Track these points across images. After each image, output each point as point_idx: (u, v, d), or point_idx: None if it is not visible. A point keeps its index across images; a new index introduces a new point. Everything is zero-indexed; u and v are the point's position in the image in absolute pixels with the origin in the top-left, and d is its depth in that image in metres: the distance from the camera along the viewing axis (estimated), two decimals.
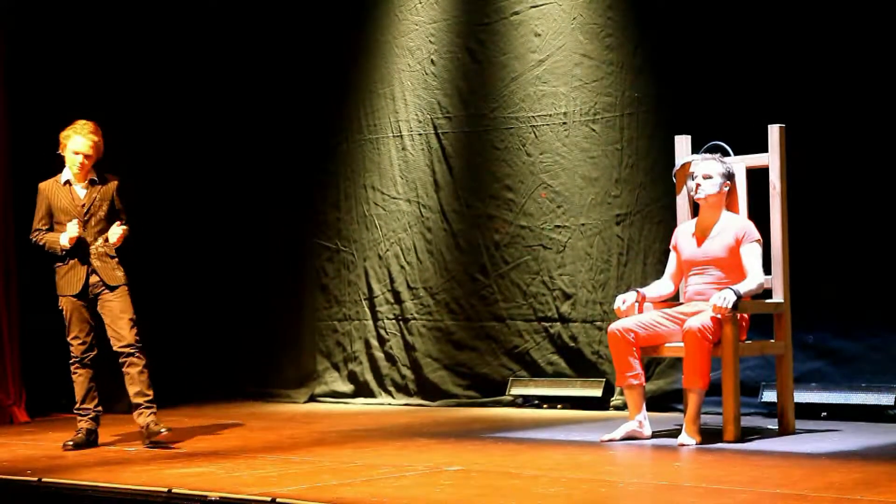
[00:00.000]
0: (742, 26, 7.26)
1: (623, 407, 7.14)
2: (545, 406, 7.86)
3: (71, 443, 6.31)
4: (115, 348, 6.31)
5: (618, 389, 7.48)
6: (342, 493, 4.59)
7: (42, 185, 6.39)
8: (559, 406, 7.81)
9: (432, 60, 8.45)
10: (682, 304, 6.26)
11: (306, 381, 8.82)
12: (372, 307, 8.62)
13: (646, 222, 7.61)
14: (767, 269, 6.19)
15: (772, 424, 6.37)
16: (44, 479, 5.10)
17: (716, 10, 7.34)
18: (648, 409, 6.17)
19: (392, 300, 8.54)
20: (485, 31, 8.24)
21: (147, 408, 6.27)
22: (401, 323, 8.50)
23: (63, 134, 6.31)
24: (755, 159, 6.33)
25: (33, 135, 8.33)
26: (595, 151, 7.82)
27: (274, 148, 9.09)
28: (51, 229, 6.35)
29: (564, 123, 7.92)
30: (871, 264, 6.91)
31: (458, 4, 8.36)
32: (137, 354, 6.29)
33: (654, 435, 6.09)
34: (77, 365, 6.39)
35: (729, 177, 6.23)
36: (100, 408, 6.44)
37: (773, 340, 6.23)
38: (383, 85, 8.64)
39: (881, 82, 6.89)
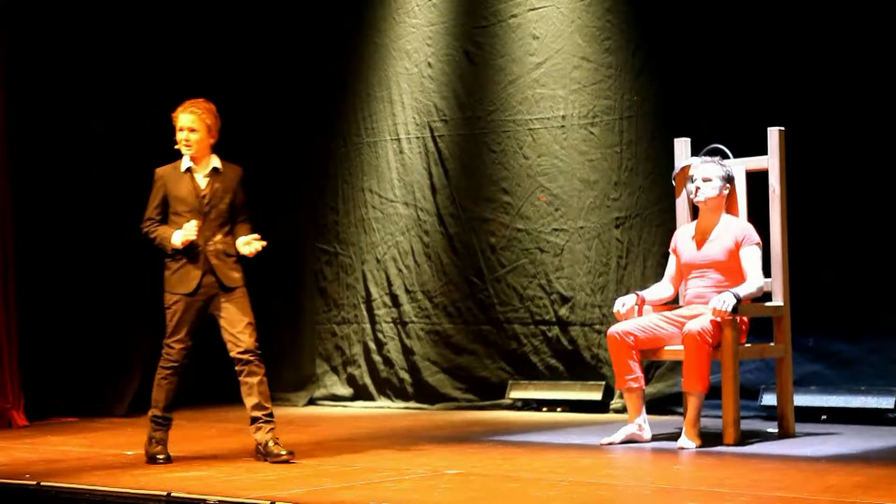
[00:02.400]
0: (741, 29, 7.26)
1: (623, 410, 7.13)
2: (544, 409, 7.85)
3: (162, 457, 5.74)
4: (232, 354, 5.74)
5: (617, 392, 7.48)
6: (341, 497, 4.58)
7: (159, 171, 5.85)
8: (558, 409, 7.81)
9: (430, 63, 8.44)
10: (681, 307, 6.26)
11: (305, 385, 8.81)
12: (370, 311, 8.62)
13: (645, 225, 7.61)
14: (767, 272, 6.19)
15: (771, 427, 6.37)
16: (42, 483, 5.08)
17: (715, 13, 7.34)
18: (648, 413, 6.16)
19: (390, 303, 8.53)
20: (482, 33, 8.24)
21: (266, 422, 5.69)
22: (399, 326, 8.49)
23: (173, 115, 5.83)
24: (755, 162, 6.33)
25: (33, 135, 8.34)
26: (594, 154, 7.81)
27: (272, 151, 9.08)
28: (164, 220, 5.81)
29: (562, 126, 7.92)
30: (871, 267, 6.91)
31: (455, 7, 8.36)
32: (257, 362, 5.70)
33: (654, 438, 6.09)
34: (171, 371, 5.83)
35: (728, 180, 6.23)
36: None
37: (772, 343, 6.23)
38: (381, 88, 8.64)
39: (880, 85, 6.90)
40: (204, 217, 5.73)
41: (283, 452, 5.59)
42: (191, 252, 5.73)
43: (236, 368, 5.73)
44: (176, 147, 5.77)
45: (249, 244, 5.78)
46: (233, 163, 5.94)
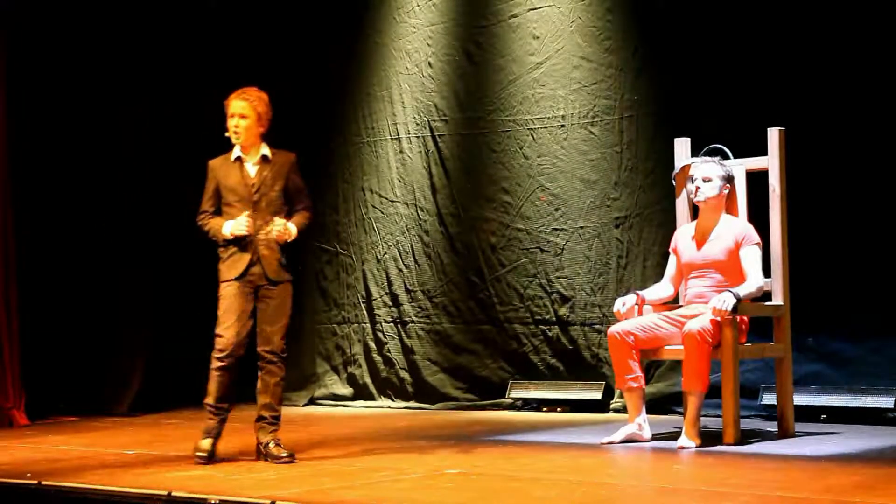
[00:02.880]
0: (742, 29, 7.26)
1: (623, 410, 7.13)
2: (544, 409, 7.85)
3: (202, 455, 5.64)
4: (259, 349, 5.75)
5: (617, 392, 7.48)
6: (342, 496, 4.58)
7: (212, 163, 5.82)
8: (559, 409, 7.81)
9: (430, 63, 8.45)
10: (681, 306, 6.26)
11: (306, 384, 8.81)
12: (370, 310, 8.62)
13: (645, 225, 7.61)
14: (767, 272, 6.19)
15: (771, 427, 6.37)
16: (43, 483, 5.09)
17: (715, 12, 7.34)
18: (648, 412, 6.16)
19: (390, 303, 8.53)
20: (483, 33, 8.25)
21: (271, 424, 5.71)
22: (399, 326, 8.49)
23: (225, 103, 5.74)
24: (755, 162, 6.34)
25: (33, 134, 8.34)
26: (594, 154, 7.82)
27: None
28: (218, 211, 5.78)
29: (563, 126, 7.92)
30: (871, 267, 6.91)
31: (456, 7, 8.36)
32: (279, 364, 5.74)
33: (654, 438, 6.09)
34: (221, 360, 5.71)
35: (728, 180, 6.23)
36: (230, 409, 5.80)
37: (772, 343, 6.23)
38: (381, 88, 8.64)
39: (880, 85, 6.90)
40: (254, 206, 5.66)
41: (284, 455, 5.60)
42: (241, 242, 5.67)
43: (258, 363, 5.73)
44: (226, 135, 5.71)
45: (270, 231, 5.66)
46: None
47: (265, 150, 5.76)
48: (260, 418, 5.73)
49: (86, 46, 8.60)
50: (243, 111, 5.66)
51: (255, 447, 5.76)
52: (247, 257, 5.67)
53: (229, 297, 5.69)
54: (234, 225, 5.64)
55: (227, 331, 5.67)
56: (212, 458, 5.65)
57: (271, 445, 5.65)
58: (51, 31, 8.46)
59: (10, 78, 8.12)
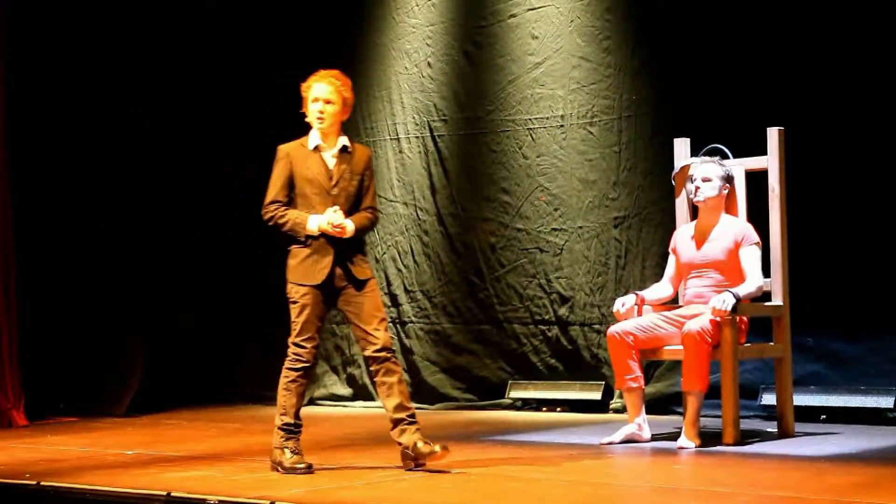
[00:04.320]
0: (741, 28, 7.26)
1: (622, 410, 7.13)
2: (544, 409, 7.85)
3: (303, 466, 5.15)
4: (366, 353, 5.24)
5: (617, 392, 7.48)
6: (341, 497, 4.58)
7: (284, 148, 5.32)
8: (558, 409, 7.81)
9: (429, 63, 8.44)
10: (681, 306, 6.26)
11: None
12: None
13: (644, 225, 7.61)
14: (766, 271, 6.19)
15: (771, 427, 6.37)
16: (42, 483, 5.08)
17: (715, 12, 7.34)
18: (648, 412, 6.16)
19: (389, 303, 8.53)
20: (482, 33, 8.24)
21: (411, 423, 5.17)
22: (398, 326, 8.49)
23: (303, 85, 5.34)
24: (754, 162, 6.34)
25: (33, 134, 8.34)
26: (593, 154, 7.82)
27: (270, 151, 9.04)
28: (289, 203, 5.24)
29: (562, 126, 7.92)
30: (871, 267, 6.92)
31: (455, 7, 8.36)
32: (393, 360, 5.21)
33: (654, 438, 6.09)
34: (301, 373, 5.19)
35: (728, 180, 6.23)
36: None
37: (772, 343, 6.23)
38: (380, 88, 8.64)
39: (880, 85, 6.90)
40: (333, 200, 5.19)
41: (437, 449, 5.05)
42: (323, 240, 5.16)
43: (371, 368, 5.25)
44: (307, 120, 5.30)
45: (328, 223, 5.14)
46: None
47: (345, 140, 5.30)
48: (397, 422, 5.18)
49: (86, 46, 8.60)
50: (329, 96, 5.24)
51: (401, 455, 5.20)
52: (328, 259, 5.17)
53: (308, 305, 5.18)
54: (326, 218, 5.12)
55: (308, 342, 5.20)
56: (311, 466, 5.16)
57: (420, 445, 5.10)
58: (51, 31, 8.46)
59: (10, 78, 8.12)
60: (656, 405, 7.17)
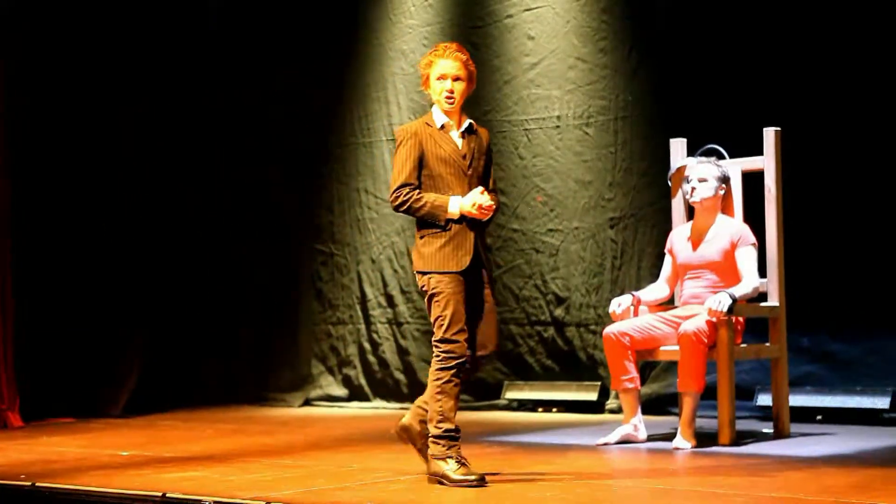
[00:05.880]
0: (738, 29, 7.27)
1: (618, 410, 7.14)
2: (540, 410, 7.85)
3: (473, 477, 4.70)
4: (470, 352, 4.79)
5: (613, 393, 7.48)
6: (337, 498, 4.57)
7: (408, 128, 4.87)
8: (554, 410, 7.81)
9: None
10: (677, 307, 6.26)
11: (301, 385, 8.81)
12: (365, 311, 8.61)
13: (640, 226, 7.61)
14: (763, 272, 6.19)
15: (767, 428, 6.37)
16: (37, 484, 5.07)
17: (711, 13, 7.34)
18: (644, 413, 6.16)
19: (385, 304, 8.52)
20: (478, 34, 8.24)
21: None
22: (394, 327, 8.48)
23: (423, 62, 4.94)
24: (750, 162, 6.33)
25: (32, 135, 8.33)
26: (588, 155, 7.81)
27: (268, 151, 9.07)
28: (419, 186, 4.81)
29: (558, 127, 7.92)
30: (867, 267, 6.92)
31: (451, 7, 8.36)
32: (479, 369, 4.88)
33: (650, 438, 6.08)
34: (454, 371, 4.69)
35: (724, 180, 6.23)
36: None
37: (768, 344, 6.23)
38: (377, 88, 8.64)
39: (876, 86, 6.90)
40: (468, 181, 4.79)
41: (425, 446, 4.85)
42: (464, 224, 4.74)
43: (465, 365, 4.78)
44: (435, 99, 4.91)
45: (473, 205, 4.72)
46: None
47: (468, 119, 4.96)
48: (423, 411, 4.93)
49: (86, 46, 8.59)
50: (458, 72, 4.84)
51: (401, 429, 5.03)
52: (470, 244, 4.74)
53: (455, 294, 4.68)
54: (470, 199, 4.71)
55: (462, 335, 4.68)
56: (483, 479, 4.72)
57: (415, 425, 4.96)
58: (51, 31, 8.45)
59: (10, 77, 8.11)
60: (652, 406, 7.18)
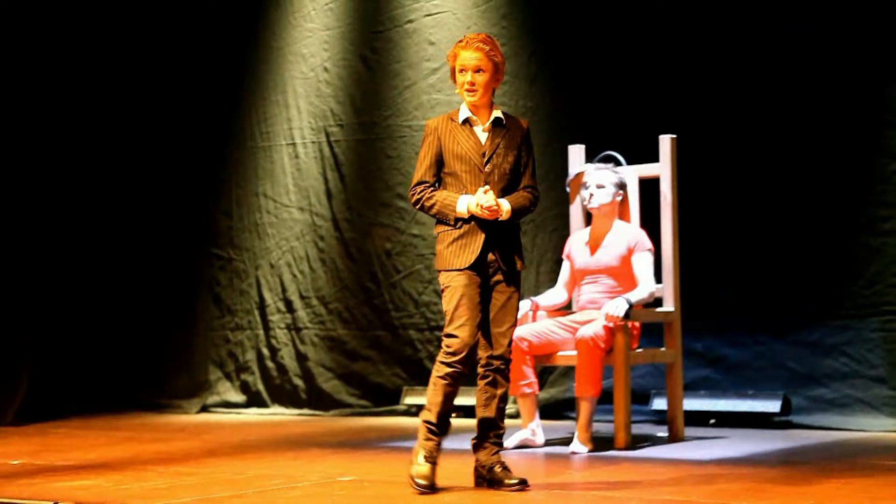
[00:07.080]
0: (635, 38, 7.36)
1: (516, 416, 7.16)
2: None
3: (423, 483, 4.66)
4: (482, 352, 4.79)
5: (511, 398, 7.50)
6: None
7: (432, 123, 4.78)
8: (454, 415, 7.78)
9: (326, 68, 8.41)
10: (574, 312, 6.31)
11: (198, 392, 8.71)
12: (264, 316, 8.55)
13: (539, 231, 7.66)
14: (658, 277, 6.27)
15: (662, 432, 6.45)
16: None
17: (609, 21, 7.42)
18: (541, 418, 6.21)
19: (284, 309, 8.47)
20: (379, 38, 8.24)
21: (496, 443, 4.81)
22: (293, 332, 8.43)
23: (449, 54, 4.77)
24: (647, 169, 6.41)
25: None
26: None
27: (166, 155, 8.96)
28: (438, 183, 4.76)
29: None
30: (760, 273, 7.04)
31: (352, 12, 8.34)
32: (507, 372, 4.80)
33: (547, 443, 6.12)
34: (458, 368, 4.67)
35: (621, 186, 6.30)
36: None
37: (663, 349, 6.31)
38: (276, 92, 8.58)
39: (768, 95, 7.04)
40: (485, 179, 4.69)
41: (515, 481, 4.71)
42: (475, 221, 4.67)
43: (480, 370, 4.80)
44: (457, 92, 4.78)
45: (477, 205, 4.63)
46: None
47: (498, 112, 4.77)
48: (482, 438, 4.84)
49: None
50: (479, 63, 4.68)
51: (474, 471, 4.85)
52: (479, 241, 4.66)
53: (460, 287, 4.63)
54: (476, 199, 4.62)
55: (462, 330, 4.61)
56: (434, 487, 4.67)
57: (497, 469, 4.77)
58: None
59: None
60: (550, 410, 7.23)
